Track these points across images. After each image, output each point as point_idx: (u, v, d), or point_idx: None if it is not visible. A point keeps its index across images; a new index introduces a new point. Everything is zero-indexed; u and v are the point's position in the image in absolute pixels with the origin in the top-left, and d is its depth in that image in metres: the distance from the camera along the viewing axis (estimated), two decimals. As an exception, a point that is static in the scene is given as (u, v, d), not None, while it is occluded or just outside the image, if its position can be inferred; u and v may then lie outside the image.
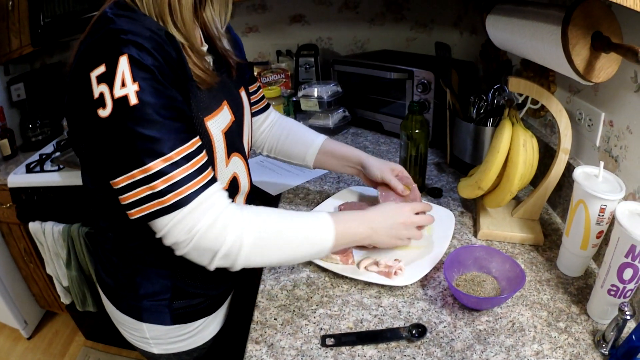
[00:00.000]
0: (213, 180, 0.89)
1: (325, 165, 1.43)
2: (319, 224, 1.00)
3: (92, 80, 0.79)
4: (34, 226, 2.20)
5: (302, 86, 2.20)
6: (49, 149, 2.48)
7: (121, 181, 0.82)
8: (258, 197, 1.64)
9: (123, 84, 0.78)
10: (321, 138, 1.41)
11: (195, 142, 0.87)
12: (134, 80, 0.78)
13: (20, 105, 2.62)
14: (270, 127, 1.45)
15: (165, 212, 0.83)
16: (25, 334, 2.78)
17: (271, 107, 1.47)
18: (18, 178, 2.18)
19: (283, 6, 2.60)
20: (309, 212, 1.02)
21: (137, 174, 0.81)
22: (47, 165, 2.24)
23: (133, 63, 0.79)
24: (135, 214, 0.84)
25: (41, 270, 2.47)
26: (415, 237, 1.16)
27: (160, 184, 0.81)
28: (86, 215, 2.14)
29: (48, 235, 2.18)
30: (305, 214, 1.02)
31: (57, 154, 2.34)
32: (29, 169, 2.21)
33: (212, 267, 0.90)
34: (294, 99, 2.28)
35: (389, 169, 1.33)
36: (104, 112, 0.79)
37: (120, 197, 0.85)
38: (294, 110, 2.39)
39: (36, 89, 2.62)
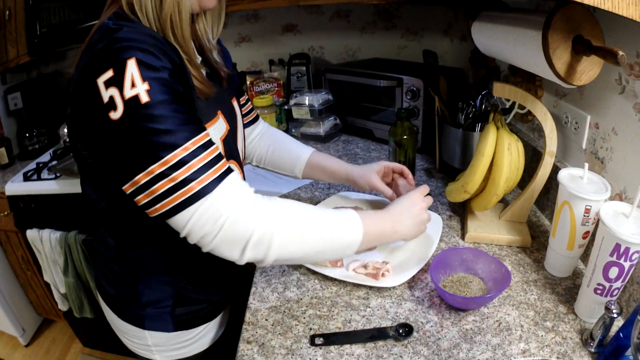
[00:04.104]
0: (230, 169, 0.89)
1: (314, 177, 1.45)
2: (347, 215, 1.00)
3: (100, 85, 0.80)
4: (31, 234, 2.21)
5: (294, 95, 2.22)
6: (45, 157, 2.49)
7: (140, 179, 0.82)
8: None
9: (133, 85, 0.79)
10: (307, 152, 1.42)
11: (207, 135, 0.88)
12: (144, 80, 0.80)
13: (17, 115, 2.63)
14: (259, 137, 1.46)
15: (190, 203, 0.82)
16: (23, 341, 2.77)
17: (260, 119, 1.49)
18: (15, 186, 2.19)
19: (275, 16, 2.62)
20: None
21: (156, 169, 0.81)
22: (44, 174, 2.25)
23: (141, 64, 0.80)
24: (158, 209, 0.84)
25: (39, 278, 2.48)
26: (429, 219, 1.18)
27: (180, 175, 0.81)
28: (84, 223, 2.16)
29: (45, 242, 2.19)
30: (328, 209, 1.01)
31: (54, 162, 2.35)
32: (26, 177, 2.22)
33: (243, 260, 0.88)
34: (286, 107, 2.29)
35: (374, 174, 1.35)
36: (115, 115, 0.80)
37: (137, 198, 0.84)
38: (286, 118, 2.40)
39: (33, 98, 2.63)
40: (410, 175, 1.37)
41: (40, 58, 2.55)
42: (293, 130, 2.33)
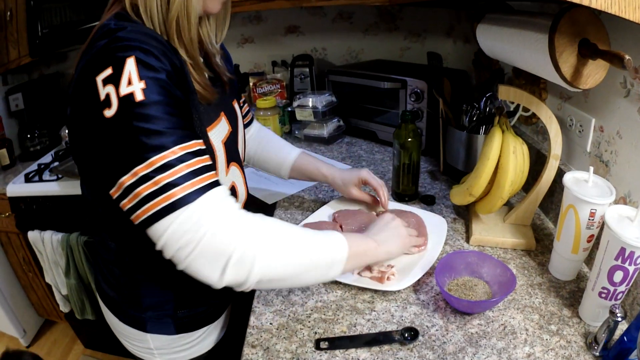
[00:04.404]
0: (218, 182, 0.85)
1: (299, 179, 1.51)
2: (331, 235, 0.98)
3: (98, 83, 0.78)
4: (33, 235, 2.21)
5: (297, 96, 2.23)
6: (47, 158, 2.49)
7: (124, 181, 0.79)
8: (254, 206, 1.65)
9: (129, 82, 0.77)
10: (293, 155, 1.46)
11: (198, 143, 0.85)
12: (141, 78, 0.78)
13: (19, 116, 2.64)
14: (252, 138, 1.48)
15: (170, 211, 0.77)
16: (24, 342, 2.77)
17: (255, 121, 1.51)
18: (17, 187, 2.19)
19: (278, 17, 2.62)
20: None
21: (141, 170, 0.77)
22: (46, 175, 2.25)
23: (140, 63, 0.79)
24: (140, 215, 0.79)
25: (40, 279, 2.48)
26: (417, 242, 1.25)
27: (164, 179, 0.77)
28: (85, 225, 2.15)
29: (47, 244, 2.19)
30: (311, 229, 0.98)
31: (56, 163, 2.35)
32: (28, 179, 2.22)
33: (223, 281, 0.83)
34: (289, 109, 2.30)
35: (353, 186, 1.43)
36: (109, 112, 0.77)
37: (122, 203, 0.81)
38: (289, 120, 2.41)
39: (34, 99, 2.63)
40: (382, 198, 1.40)
41: (41, 59, 2.55)
42: (296, 132, 2.33)
